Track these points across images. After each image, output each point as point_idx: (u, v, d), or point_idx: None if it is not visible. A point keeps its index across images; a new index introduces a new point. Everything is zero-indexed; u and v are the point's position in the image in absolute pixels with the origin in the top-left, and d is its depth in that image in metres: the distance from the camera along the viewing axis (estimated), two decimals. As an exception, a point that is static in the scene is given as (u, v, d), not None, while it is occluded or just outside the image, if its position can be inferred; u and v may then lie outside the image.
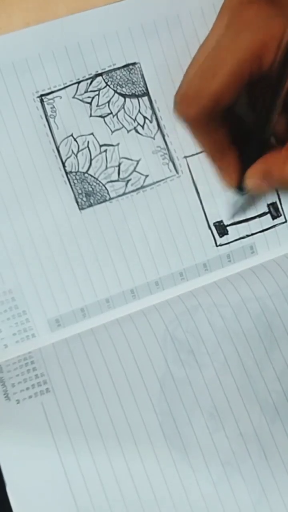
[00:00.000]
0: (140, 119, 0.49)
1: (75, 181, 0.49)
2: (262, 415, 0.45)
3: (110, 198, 0.49)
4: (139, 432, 0.44)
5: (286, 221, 0.51)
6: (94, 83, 0.48)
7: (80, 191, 0.49)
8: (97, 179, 0.49)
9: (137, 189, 0.49)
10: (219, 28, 0.43)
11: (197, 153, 0.50)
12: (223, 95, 0.43)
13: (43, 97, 0.48)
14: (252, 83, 0.43)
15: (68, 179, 0.48)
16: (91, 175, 0.49)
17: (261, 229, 0.51)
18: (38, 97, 0.48)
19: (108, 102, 0.49)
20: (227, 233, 0.51)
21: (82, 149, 0.49)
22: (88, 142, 0.49)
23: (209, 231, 0.50)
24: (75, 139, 0.48)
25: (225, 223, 0.51)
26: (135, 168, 0.49)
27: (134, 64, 0.49)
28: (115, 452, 0.44)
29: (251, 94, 0.46)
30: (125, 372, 0.45)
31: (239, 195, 0.49)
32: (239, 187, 0.48)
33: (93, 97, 0.48)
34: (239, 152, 0.47)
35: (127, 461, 0.44)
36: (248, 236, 0.51)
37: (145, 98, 0.49)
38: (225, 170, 0.48)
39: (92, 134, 0.49)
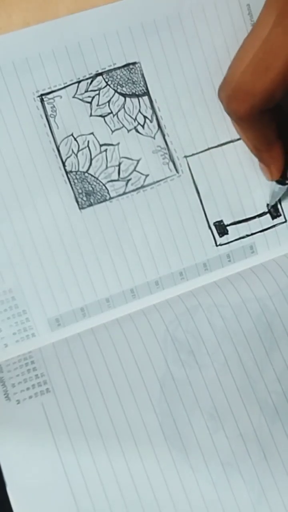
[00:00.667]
0: (141, 119, 0.49)
1: (75, 180, 0.48)
2: (262, 416, 0.46)
3: (110, 198, 0.49)
4: (139, 432, 0.44)
5: (286, 221, 0.51)
6: (94, 82, 0.48)
7: (80, 191, 0.49)
8: (97, 179, 0.49)
9: (137, 188, 0.49)
10: (267, 21, 0.43)
11: (197, 153, 0.50)
12: (275, 90, 0.43)
13: (43, 97, 0.48)
14: None
15: (68, 179, 0.48)
16: (91, 175, 0.49)
17: (261, 229, 0.51)
18: (38, 96, 0.48)
19: (108, 101, 0.49)
20: (227, 233, 0.51)
21: (82, 149, 0.49)
22: (88, 141, 0.49)
23: (209, 230, 0.50)
24: (75, 139, 0.48)
25: (225, 222, 0.51)
26: (135, 167, 0.49)
27: (134, 63, 0.49)
28: (115, 452, 0.44)
29: None
30: (125, 372, 0.45)
31: (282, 185, 0.50)
32: (283, 178, 0.49)
33: (93, 97, 0.48)
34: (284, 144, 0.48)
35: (127, 461, 0.44)
36: (248, 236, 0.51)
37: (146, 98, 0.49)
38: (271, 163, 0.48)
39: (92, 133, 0.49)
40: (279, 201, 0.51)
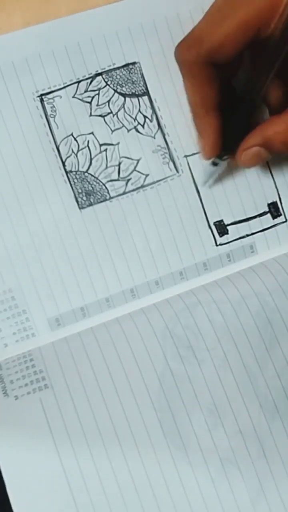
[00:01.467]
0: (140, 118, 0.49)
1: (75, 180, 0.49)
2: (261, 412, 0.45)
3: (110, 198, 0.49)
4: (138, 429, 0.44)
5: (286, 221, 0.51)
6: (94, 82, 0.49)
7: (80, 190, 0.49)
8: (97, 179, 0.49)
9: (137, 188, 0.49)
10: None
11: (197, 153, 0.50)
12: (226, 44, 0.42)
13: (43, 97, 0.48)
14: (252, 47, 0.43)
15: (68, 179, 0.49)
16: (91, 175, 0.49)
17: (261, 229, 0.51)
18: (38, 96, 0.48)
19: (108, 101, 0.49)
20: (227, 233, 0.51)
21: (82, 149, 0.49)
22: (88, 141, 0.49)
23: (209, 230, 0.50)
24: (75, 139, 0.49)
25: (225, 222, 0.51)
26: (135, 167, 0.49)
27: (134, 63, 0.49)
28: (114, 448, 0.44)
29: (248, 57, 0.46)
30: (124, 368, 0.45)
31: (216, 162, 0.49)
32: (218, 156, 0.48)
33: (93, 97, 0.49)
34: (222, 119, 0.46)
35: (126, 458, 0.44)
36: (248, 235, 0.51)
37: (145, 98, 0.49)
38: (205, 130, 0.47)
39: (92, 133, 0.49)
40: (280, 200, 0.51)
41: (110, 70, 0.49)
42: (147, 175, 0.49)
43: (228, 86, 0.47)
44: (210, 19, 0.43)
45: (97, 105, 0.49)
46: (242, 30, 0.42)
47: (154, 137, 0.50)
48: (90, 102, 0.49)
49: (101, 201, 0.49)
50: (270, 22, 0.41)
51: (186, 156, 0.50)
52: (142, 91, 0.49)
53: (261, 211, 0.51)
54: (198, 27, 0.43)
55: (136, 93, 0.49)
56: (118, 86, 0.49)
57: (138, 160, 0.49)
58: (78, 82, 0.48)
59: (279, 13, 0.41)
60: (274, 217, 0.51)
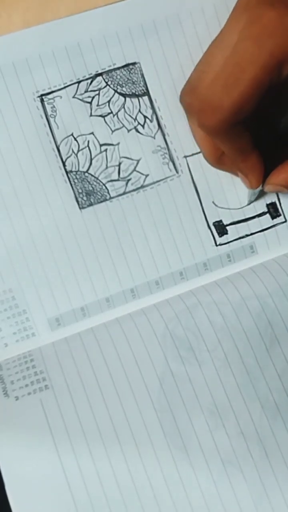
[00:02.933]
0: (141, 119, 0.49)
1: (75, 180, 0.49)
2: (263, 413, 0.45)
3: (110, 198, 0.49)
4: (138, 430, 0.44)
5: (286, 221, 0.51)
6: (94, 82, 0.49)
7: (80, 191, 0.49)
8: (97, 179, 0.49)
9: (137, 188, 0.49)
10: (235, 30, 0.42)
11: (197, 153, 0.50)
12: (245, 103, 0.42)
13: (43, 97, 0.48)
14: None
15: (69, 179, 0.49)
16: (91, 175, 0.49)
17: (260, 229, 0.51)
18: (38, 96, 0.48)
19: (108, 101, 0.49)
20: (226, 233, 0.51)
21: (82, 149, 0.49)
22: (88, 141, 0.49)
23: (209, 230, 0.50)
24: (75, 139, 0.49)
25: (225, 222, 0.51)
26: (135, 167, 0.49)
27: (134, 64, 0.49)
28: (114, 449, 0.44)
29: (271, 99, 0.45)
30: (124, 369, 0.45)
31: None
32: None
33: (93, 97, 0.49)
34: (262, 154, 0.47)
35: (126, 459, 0.44)
36: (247, 235, 0.51)
37: (145, 98, 0.49)
38: (249, 173, 0.48)
39: (92, 133, 0.49)
40: (279, 200, 0.51)
41: (110, 70, 0.49)
42: (147, 175, 0.49)
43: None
44: (223, 81, 0.42)
45: (97, 105, 0.49)
46: (256, 87, 0.41)
47: (154, 138, 0.50)
48: (90, 102, 0.49)
49: (101, 201, 0.49)
50: (281, 72, 0.41)
51: (185, 157, 0.50)
52: (142, 91, 0.49)
53: (260, 211, 0.51)
54: (212, 94, 0.42)
55: (136, 93, 0.49)
56: (118, 86, 0.49)
57: (138, 160, 0.49)
58: (78, 82, 0.48)
59: None
60: (273, 217, 0.51)
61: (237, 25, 0.42)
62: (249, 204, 0.51)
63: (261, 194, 0.51)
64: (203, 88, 0.43)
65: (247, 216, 0.51)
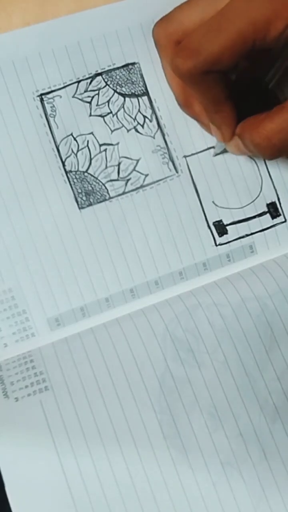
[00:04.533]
0: (140, 118, 0.49)
1: (75, 180, 0.49)
2: (262, 415, 0.45)
3: (110, 197, 0.49)
4: (138, 431, 0.44)
5: (285, 221, 0.51)
6: (94, 82, 0.48)
7: (79, 190, 0.49)
8: (96, 178, 0.49)
9: (137, 188, 0.49)
10: None
11: (196, 153, 0.50)
12: (223, 55, 0.41)
13: (43, 96, 0.48)
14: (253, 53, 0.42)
15: (68, 178, 0.48)
16: (90, 174, 0.49)
17: (260, 229, 0.51)
18: (38, 96, 0.48)
19: (108, 101, 0.49)
20: (226, 233, 0.51)
21: (82, 148, 0.49)
22: (87, 141, 0.49)
23: (209, 230, 0.50)
24: (75, 138, 0.48)
25: (225, 222, 0.51)
26: (134, 167, 0.49)
27: (133, 63, 0.49)
28: (114, 450, 0.44)
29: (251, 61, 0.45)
30: (124, 371, 0.45)
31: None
32: None
33: (93, 97, 0.48)
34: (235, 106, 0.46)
35: (126, 460, 0.44)
36: (247, 235, 0.51)
37: (145, 98, 0.49)
38: (222, 124, 0.46)
39: (91, 133, 0.49)
40: (278, 200, 0.51)
41: (110, 70, 0.49)
42: (146, 175, 0.49)
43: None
44: (206, 30, 0.41)
45: (97, 105, 0.49)
46: (239, 43, 0.41)
47: (153, 137, 0.50)
48: (90, 102, 0.49)
49: (101, 201, 0.49)
50: (266, 35, 0.41)
51: (185, 156, 0.50)
52: (142, 91, 0.49)
53: (260, 211, 0.51)
54: (193, 38, 0.42)
55: (136, 93, 0.49)
56: (117, 86, 0.49)
57: (137, 160, 0.49)
58: (78, 82, 0.48)
59: (283, 21, 0.40)
60: (273, 217, 0.51)
61: None
62: (215, 155, 0.50)
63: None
64: (184, 26, 0.43)
65: (247, 216, 0.51)
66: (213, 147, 0.50)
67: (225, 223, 0.51)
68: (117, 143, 0.49)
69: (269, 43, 0.41)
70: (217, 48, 0.41)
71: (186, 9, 0.44)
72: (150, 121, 0.49)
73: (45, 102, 0.48)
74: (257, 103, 0.46)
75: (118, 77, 0.49)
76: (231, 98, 0.45)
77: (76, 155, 0.49)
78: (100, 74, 0.48)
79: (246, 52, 0.41)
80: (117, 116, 0.49)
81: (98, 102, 0.49)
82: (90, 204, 0.49)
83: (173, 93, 0.49)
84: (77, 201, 0.49)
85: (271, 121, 0.43)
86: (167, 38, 0.45)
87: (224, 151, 0.50)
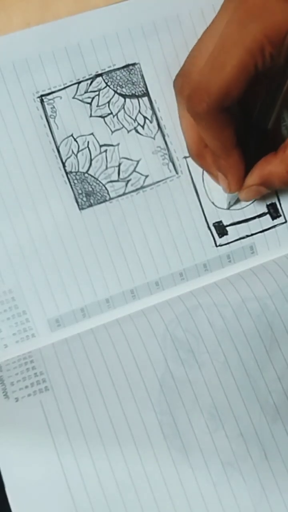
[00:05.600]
0: (140, 119, 0.49)
1: (75, 181, 0.49)
2: (262, 415, 0.45)
3: (110, 198, 0.49)
4: (138, 432, 0.44)
5: (286, 222, 0.51)
6: (94, 83, 0.48)
7: (80, 191, 0.49)
8: (97, 179, 0.49)
9: (137, 189, 0.49)
10: (224, 15, 0.43)
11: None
12: (231, 87, 0.42)
13: (43, 97, 0.48)
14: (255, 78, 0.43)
15: (68, 179, 0.49)
16: (91, 175, 0.49)
17: (261, 230, 0.51)
18: (38, 97, 0.48)
19: (108, 102, 0.49)
20: (226, 234, 0.51)
21: (82, 149, 0.49)
22: (88, 142, 0.49)
23: (209, 231, 0.50)
24: (75, 139, 0.49)
25: (225, 223, 0.51)
26: (135, 168, 0.49)
27: (134, 64, 0.49)
28: (114, 451, 0.44)
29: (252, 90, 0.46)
30: (125, 371, 0.45)
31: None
32: None
33: (93, 98, 0.49)
34: (243, 153, 0.47)
35: (126, 460, 0.44)
36: (248, 236, 0.51)
37: (145, 99, 0.49)
38: (229, 171, 0.47)
39: (92, 134, 0.49)
40: (279, 201, 0.51)
41: (110, 71, 0.49)
42: (146, 176, 0.49)
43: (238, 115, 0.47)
44: (210, 67, 0.43)
45: (97, 106, 0.49)
46: (242, 71, 0.42)
47: (154, 138, 0.50)
48: (90, 103, 0.49)
49: (101, 202, 0.49)
50: (265, 58, 0.42)
51: (185, 158, 0.50)
52: (142, 92, 0.49)
53: (261, 212, 0.51)
54: (201, 78, 0.43)
55: (136, 94, 0.49)
56: (118, 87, 0.49)
57: (138, 161, 0.49)
58: (78, 83, 0.48)
59: (278, 41, 0.41)
60: (273, 218, 0.51)
61: (226, 11, 0.43)
62: (228, 208, 0.51)
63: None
64: (194, 72, 0.44)
65: (247, 217, 0.51)
66: None
67: (225, 224, 0.51)
68: (118, 144, 0.49)
69: (272, 63, 0.42)
70: (224, 81, 0.42)
71: (196, 54, 0.46)
72: (151, 122, 0.49)
73: (45, 103, 0.48)
74: (256, 147, 0.47)
75: (118, 78, 0.49)
76: (239, 146, 0.46)
77: (76, 156, 0.49)
78: (100, 75, 0.49)
79: (249, 80, 0.42)
80: (117, 117, 0.49)
81: (98, 103, 0.49)
82: (91, 205, 0.49)
83: (186, 145, 0.49)
84: (77, 202, 0.49)
85: None
86: (191, 89, 0.45)
87: (237, 201, 0.51)
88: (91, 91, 0.48)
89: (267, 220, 0.51)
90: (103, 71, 0.49)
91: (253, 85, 0.43)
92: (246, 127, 0.47)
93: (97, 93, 0.49)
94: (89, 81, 0.48)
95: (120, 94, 0.49)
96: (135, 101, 0.49)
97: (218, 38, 0.42)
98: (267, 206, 0.51)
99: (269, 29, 0.41)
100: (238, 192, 0.48)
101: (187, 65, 0.46)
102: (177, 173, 0.50)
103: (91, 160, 0.49)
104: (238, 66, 0.42)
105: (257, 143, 0.47)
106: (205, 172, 0.50)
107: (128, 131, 0.49)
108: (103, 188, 0.49)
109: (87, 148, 0.49)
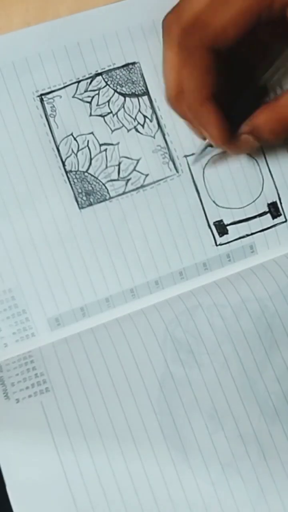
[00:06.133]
0: (140, 118, 0.49)
1: (75, 180, 0.49)
2: (261, 416, 0.45)
3: (110, 197, 0.49)
4: (138, 432, 0.44)
5: (286, 221, 0.51)
6: (94, 82, 0.48)
7: (80, 190, 0.49)
8: (97, 178, 0.49)
9: (137, 188, 0.49)
10: None
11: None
12: (230, 28, 0.41)
13: (43, 97, 0.48)
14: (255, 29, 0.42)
15: (68, 178, 0.48)
16: (91, 174, 0.49)
17: (261, 229, 0.51)
18: (38, 96, 0.48)
19: (108, 101, 0.49)
20: (227, 233, 0.51)
21: (82, 148, 0.49)
22: (88, 141, 0.49)
23: (209, 230, 0.50)
24: (75, 138, 0.48)
25: (225, 222, 0.51)
26: (135, 167, 0.49)
27: (133, 63, 0.49)
28: (114, 451, 0.44)
29: (253, 40, 0.45)
30: (125, 372, 0.45)
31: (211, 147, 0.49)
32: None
33: (93, 97, 0.48)
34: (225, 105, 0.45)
35: (126, 461, 0.44)
36: (248, 235, 0.51)
37: (145, 97, 0.49)
38: (207, 120, 0.45)
39: (92, 133, 0.49)
40: (279, 200, 0.51)
41: (110, 70, 0.49)
42: (147, 175, 0.49)
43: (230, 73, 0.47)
44: (211, 3, 0.41)
45: (97, 105, 0.49)
46: (245, 15, 0.41)
47: (154, 137, 0.49)
48: (90, 102, 0.48)
49: (101, 201, 0.49)
50: (271, 8, 0.41)
51: (186, 156, 0.50)
52: (142, 91, 0.49)
53: (261, 211, 0.51)
54: (199, 11, 0.42)
55: (136, 93, 0.49)
56: (118, 86, 0.49)
57: (138, 160, 0.49)
58: (78, 82, 0.48)
59: None
60: (274, 217, 0.51)
61: None
62: (194, 163, 0.50)
63: (208, 151, 0.49)
64: (189, 10, 0.43)
65: (248, 216, 0.51)
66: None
67: (225, 223, 0.51)
68: (117, 143, 0.49)
69: (274, 17, 0.41)
70: (223, 20, 0.41)
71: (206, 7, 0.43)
72: (151, 121, 0.49)
73: (45, 102, 0.48)
74: (253, 102, 0.46)
75: (118, 77, 0.49)
76: (217, 101, 0.45)
77: (76, 155, 0.49)
78: (100, 74, 0.48)
79: (249, 28, 0.41)
80: (117, 116, 0.49)
81: (98, 102, 0.49)
82: (90, 204, 0.49)
83: (166, 87, 0.47)
84: (77, 201, 0.49)
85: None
86: (179, 25, 0.43)
87: (205, 153, 0.49)
88: (91, 90, 0.48)
89: (267, 219, 0.51)
90: (103, 70, 0.48)
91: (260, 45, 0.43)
92: (243, 83, 0.46)
93: (97, 92, 0.48)
94: (89, 80, 0.48)
95: (120, 93, 0.49)
96: (135, 100, 0.49)
97: None
98: (268, 205, 0.51)
99: None
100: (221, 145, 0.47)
101: (182, 3, 0.44)
102: (177, 172, 0.50)
103: (91, 159, 0.49)
104: (241, 8, 0.41)
105: (253, 101, 0.46)
106: (205, 171, 0.50)
107: (128, 130, 0.49)
108: (103, 187, 0.49)
109: (87, 147, 0.49)
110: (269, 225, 0.51)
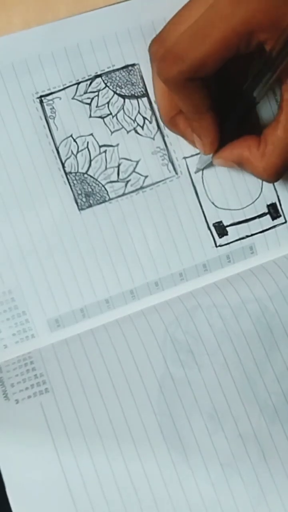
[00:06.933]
0: (140, 120, 0.49)
1: (75, 181, 0.49)
2: (261, 417, 0.45)
3: (110, 199, 0.49)
4: (138, 433, 0.44)
5: (286, 222, 0.51)
6: (93, 84, 0.48)
7: (79, 192, 0.49)
8: (96, 180, 0.49)
9: (137, 189, 0.49)
10: None
11: (196, 154, 0.50)
12: (208, 61, 0.41)
13: (42, 98, 0.48)
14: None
15: (68, 180, 0.49)
16: (90, 176, 0.49)
17: (260, 230, 0.51)
18: (37, 98, 0.48)
19: (108, 103, 0.49)
20: (226, 234, 0.51)
21: (82, 150, 0.49)
22: (87, 142, 0.49)
23: (209, 231, 0.50)
24: (74, 140, 0.49)
25: (225, 223, 0.51)
26: (134, 168, 0.49)
27: (133, 65, 0.49)
28: (114, 452, 0.44)
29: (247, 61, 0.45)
30: (124, 373, 0.45)
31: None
32: None
33: (92, 98, 0.49)
34: (219, 116, 0.46)
35: (126, 462, 0.44)
36: (247, 236, 0.51)
37: (145, 99, 0.49)
38: (201, 133, 0.46)
39: (91, 134, 0.49)
40: (279, 201, 0.51)
41: (110, 72, 0.49)
42: (146, 177, 0.49)
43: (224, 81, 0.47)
44: (192, 32, 0.41)
45: (97, 106, 0.49)
46: (223, 49, 0.41)
47: (153, 139, 0.50)
48: (89, 104, 0.49)
49: (101, 203, 0.49)
50: (249, 43, 0.41)
51: (185, 158, 0.50)
52: (142, 93, 0.49)
53: (261, 212, 0.51)
54: (178, 44, 0.42)
55: (136, 94, 0.49)
56: (117, 88, 0.49)
57: (137, 162, 0.49)
58: (78, 83, 0.48)
59: (266, 29, 0.40)
60: (273, 218, 0.51)
61: None
62: (196, 172, 0.50)
63: (211, 164, 0.50)
64: (171, 37, 0.43)
65: (247, 217, 0.51)
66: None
67: (225, 224, 0.51)
68: (117, 145, 0.49)
69: (252, 50, 0.42)
70: (202, 54, 0.41)
71: (179, 21, 0.43)
72: (150, 122, 0.49)
73: (44, 104, 0.48)
74: (242, 118, 0.47)
75: (117, 78, 0.49)
76: (213, 109, 0.45)
77: (76, 156, 0.49)
78: (99, 75, 0.48)
79: (228, 59, 0.42)
80: (117, 118, 0.49)
81: (98, 103, 0.49)
82: (90, 206, 0.49)
83: (158, 112, 0.49)
84: (77, 203, 0.49)
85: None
86: (165, 52, 0.44)
87: (207, 166, 0.50)
88: (90, 92, 0.48)
89: (267, 220, 0.51)
90: (103, 72, 0.48)
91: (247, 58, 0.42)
92: (232, 95, 0.46)
93: (96, 93, 0.49)
94: (88, 82, 0.48)
95: (119, 95, 0.49)
96: (134, 101, 0.49)
97: (207, 9, 0.41)
98: (267, 206, 0.51)
99: (263, 12, 0.40)
100: (212, 157, 0.48)
101: (166, 30, 0.44)
102: (176, 173, 0.50)
103: (90, 160, 0.49)
104: (220, 42, 0.40)
105: (242, 113, 0.47)
106: (204, 172, 0.50)
107: (128, 132, 0.49)
108: (103, 188, 0.49)
109: (86, 149, 0.49)
110: (268, 226, 0.51)
